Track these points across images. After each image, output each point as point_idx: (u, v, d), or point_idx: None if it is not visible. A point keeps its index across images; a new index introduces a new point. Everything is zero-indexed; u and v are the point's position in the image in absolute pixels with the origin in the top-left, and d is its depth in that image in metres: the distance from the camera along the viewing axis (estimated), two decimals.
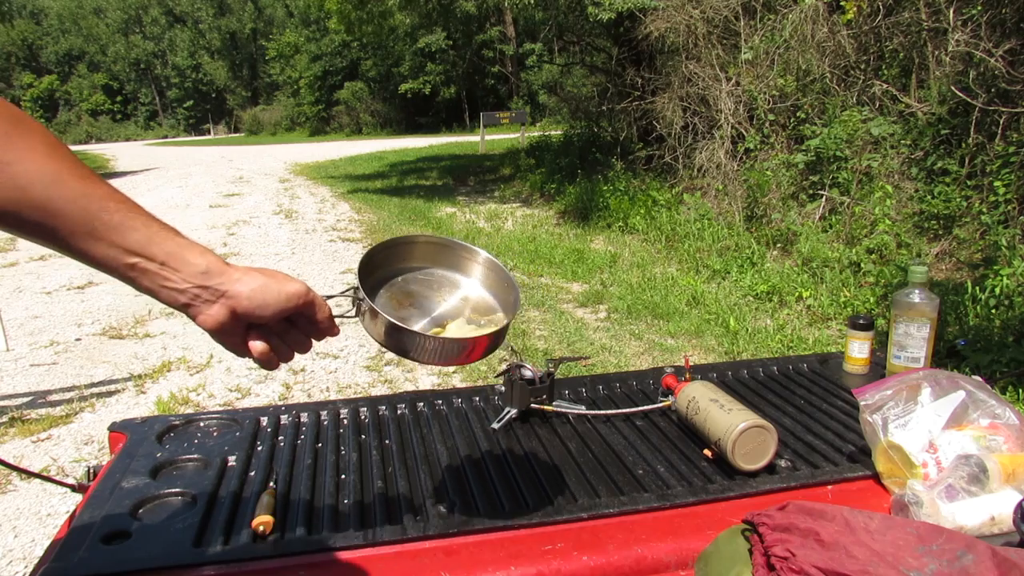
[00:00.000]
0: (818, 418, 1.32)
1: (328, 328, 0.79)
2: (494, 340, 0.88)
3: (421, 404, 1.42)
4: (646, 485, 1.10)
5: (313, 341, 0.80)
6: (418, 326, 0.92)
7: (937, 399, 1.09)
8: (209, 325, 0.70)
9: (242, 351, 0.74)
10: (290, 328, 0.77)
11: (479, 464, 1.18)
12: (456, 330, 0.92)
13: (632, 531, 1.00)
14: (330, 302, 0.82)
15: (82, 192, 0.60)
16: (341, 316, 0.84)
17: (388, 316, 0.82)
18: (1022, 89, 4.85)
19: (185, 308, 0.68)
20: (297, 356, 0.81)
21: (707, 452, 1.18)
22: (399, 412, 1.39)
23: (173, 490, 1.10)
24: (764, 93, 6.57)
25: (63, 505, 2.77)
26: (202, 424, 1.33)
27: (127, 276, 0.64)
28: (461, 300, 0.98)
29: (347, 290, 0.87)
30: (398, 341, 0.84)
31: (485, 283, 1.00)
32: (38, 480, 2.86)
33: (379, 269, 0.95)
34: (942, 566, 0.77)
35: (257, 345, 0.73)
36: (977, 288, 4.07)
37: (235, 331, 0.72)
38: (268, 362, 0.75)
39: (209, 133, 56.55)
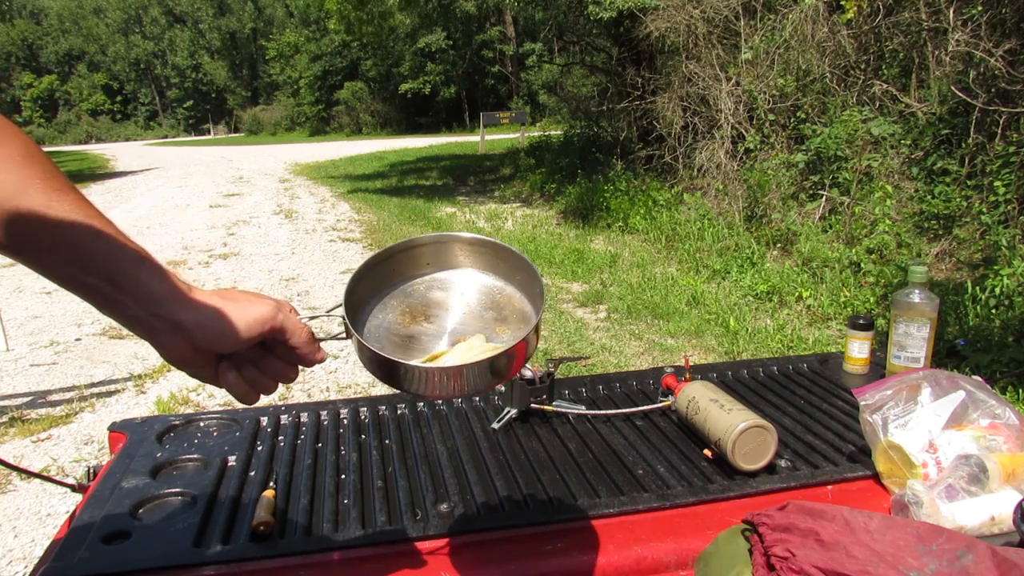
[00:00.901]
0: (818, 418, 1.32)
1: (309, 354, 0.70)
2: (512, 356, 0.73)
3: (421, 404, 1.42)
4: (646, 485, 1.10)
5: (297, 369, 0.72)
6: (433, 345, 0.80)
7: (937, 399, 1.09)
8: (170, 358, 0.64)
9: (217, 383, 0.68)
10: (266, 355, 0.69)
11: (479, 464, 1.18)
12: (464, 350, 0.78)
13: (632, 531, 1.00)
14: (316, 322, 0.73)
15: (45, 205, 0.57)
16: (334, 338, 0.75)
17: (371, 345, 0.71)
18: (1022, 89, 4.85)
19: (145, 336, 0.63)
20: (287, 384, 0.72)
21: (707, 452, 1.18)
22: (399, 412, 1.39)
23: (173, 490, 1.10)
24: (764, 93, 6.57)
25: (63, 505, 2.77)
26: (202, 424, 1.33)
27: (86, 297, 0.60)
28: (489, 309, 0.84)
29: (335, 307, 0.75)
30: (390, 376, 0.72)
31: (512, 281, 0.86)
32: (38, 480, 2.86)
33: (390, 277, 0.84)
34: (942, 566, 0.77)
35: (228, 377, 0.67)
36: (977, 288, 4.07)
37: (200, 363, 0.65)
38: (244, 396, 0.68)
39: (209, 133, 56.57)
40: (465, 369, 0.71)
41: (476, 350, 0.77)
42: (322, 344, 0.72)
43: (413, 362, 0.73)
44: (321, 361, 0.72)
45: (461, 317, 0.84)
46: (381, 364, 0.71)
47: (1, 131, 0.58)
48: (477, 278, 0.86)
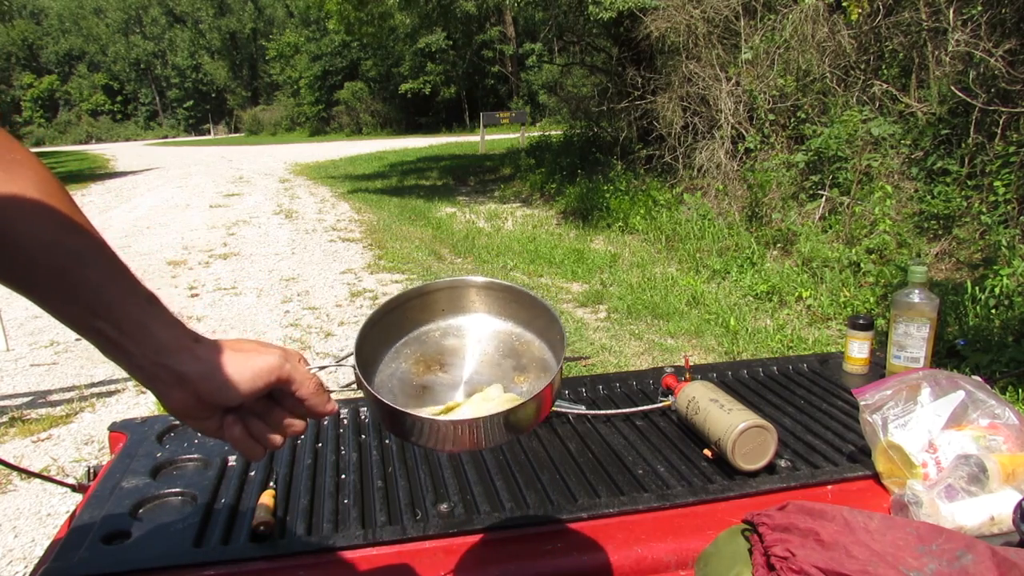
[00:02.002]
0: (818, 418, 1.32)
1: (317, 405, 0.67)
2: (533, 408, 0.69)
3: None
4: (646, 485, 1.10)
5: (305, 422, 0.69)
6: (448, 396, 0.77)
7: (937, 399, 1.09)
8: (171, 409, 0.61)
9: (221, 437, 0.65)
10: (273, 407, 0.66)
11: (479, 464, 1.18)
12: (480, 401, 0.74)
13: (632, 531, 1.00)
14: (326, 371, 0.71)
15: (56, 242, 0.55)
16: (346, 387, 0.72)
17: (382, 396, 0.68)
18: (1022, 89, 4.85)
19: (148, 386, 0.61)
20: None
21: (707, 452, 1.18)
22: None
23: (173, 490, 1.10)
24: (764, 93, 6.57)
25: (63, 505, 2.77)
26: None
27: (90, 338, 0.58)
28: (507, 357, 0.81)
29: (345, 356, 0.72)
30: (402, 429, 0.69)
31: (531, 326, 0.81)
32: (38, 480, 2.86)
33: (402, 325, 0.80)
34: (942, 566, 0.77)
35: (233, 432, 0.64)
36: (977, 288, 4.07)
37: (204, 416, 0.62)
38: (250, 451, 0.65)
39: (209, 133, 56.58)
40: (481, 423, 0.67)
41: (493, 401, 0.73)
42: (333, 395, 0.70)
43: (425, 414, 0.70)
44: (331, 413, 0.69)
45: (477, 366, 0.80)
46: (392, 416, 0.68)
47: (19, 165, 0.56)
48: (493, 324, 0.83)
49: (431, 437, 0.68)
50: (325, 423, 1.35)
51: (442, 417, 0.70)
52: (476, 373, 0.80)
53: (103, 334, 0.58)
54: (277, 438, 0.67)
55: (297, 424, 0.68)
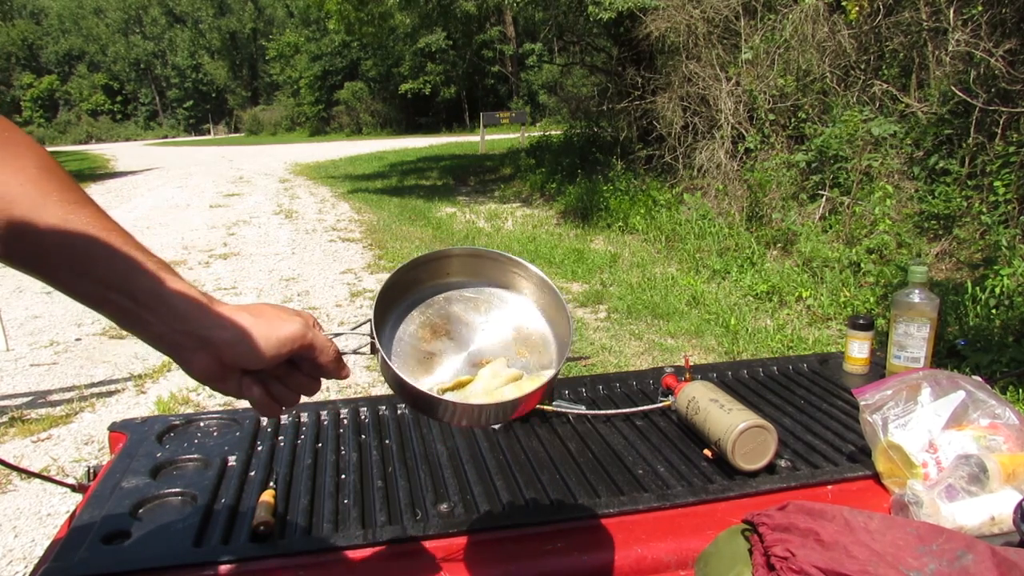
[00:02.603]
0: (818, 418, 1.32)
1: (335, 370, 0.71)
2: (533, 399, 0.74)
3: None
4: (646, 485, 1.10)
5: (319, 382, 0.72)
6: (449, 366, 0.79)
7: (937, 399, 1.09)
8: (195, 374, 0.63)
9: (240, 396, 0.67)
10: (292, 371, 0.69)
11: (479, 464, 1.18)
12: (490, 377, 0.78)
13: (632, 531, 1.00)
14: (341, 339, 0.74)
15: (63, 220, 0.56)
16: (355, 352, 0.75)
17: (398, 371, 0.71)
18: (1022, 89, 4.85)
19: (169, 353, 0.62)
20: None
21: (707, 452, 1.18)
22: (399, 412, 1.39)
23: (173, 490, 1.10)
24: (764, 93, 6.57)
25: (63, 505, 2.77)
26: (202, 424, 1.33)
27: (106, 312, 0.59)
28: (510, 328, 0.83)
29: (362, 323, 0.75)
30: (412, 400, 0.73)
31: (539, 304, 0.84)
32: (38, 480, 2.86)
33: (414, 287, 0.82)
34: (942, 566, 0.77)
35: (253, 392, 0.66)
36: (977, 288, 4.07)
37: (226, 378, 0.64)
38: (267, 408, 0.68)
39: (209, 133, 56.57)
40: (494, 408, 0.72)
41: (500, 377, 0.77)
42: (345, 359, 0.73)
43: (450, 397, 0.74)
44: (346, 377, 0.72)
45: (482, 335, 0.82)
46: (406, 390, 0.72)
47: (18, 145, 0.57)
48: (499, 293, 0.85)
49: (445, 414, 0.72)
50: (325, 423, 1.35)
51: (459, 400, 0.74)
52: (481, 344, 0.82)
53: (118, 306, 0.58)
54: (294, 398, 0.69)
55: (314, 385, 0.71)
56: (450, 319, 0.82)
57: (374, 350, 0.74)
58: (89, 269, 0.57)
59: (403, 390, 0.72)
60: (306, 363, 0.69)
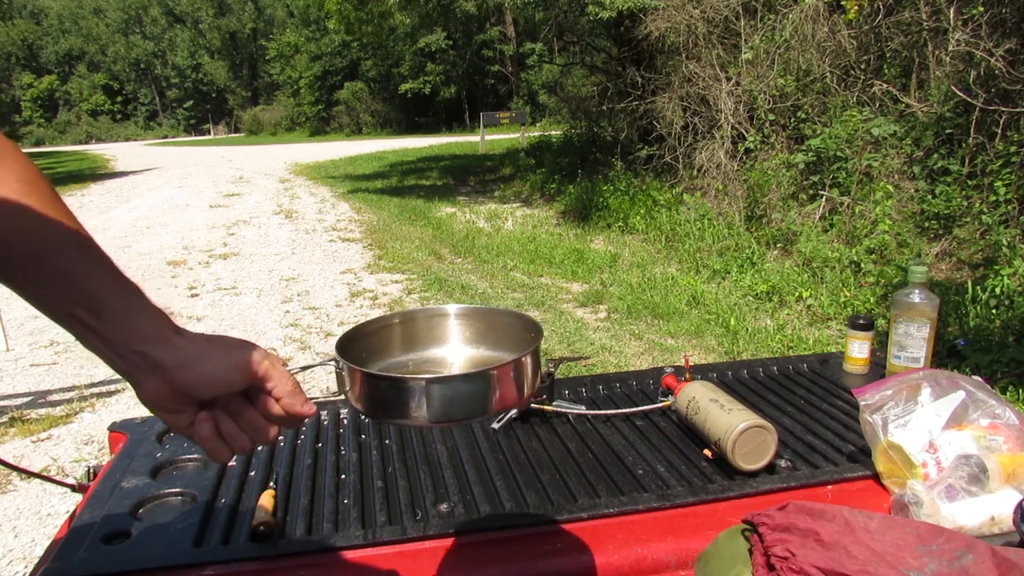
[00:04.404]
0: (818, 418, 1.32)
1: (294, 406, 0.65)
2: (517, 374, 0.73)
3: None
4: (646, 485, 1.10)
5: (277, 428, 0.67)
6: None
7: (937, 399, 1.08)
8: (145, 399, 0.61)
9: (191, 433, 0.63)
10: (247, 408, 0.64)
11: (479, 464, 1.18)
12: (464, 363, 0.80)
13: (632, 531, 1.00)
14: (305, 376, 0.72)
15: (35, 229, 0.55)
16: (326, 399, 0.73)
17: (366, 369, 0.70)
18: (1022, 89, 4.85)
19: (124, 375, 0.60)
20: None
21: (707, 452, 1.18)
22: None
23: (173, 490, 1.10)
24: (764, 93, 6.57)
25: (63, 505, 2.77)
26: None
27: (67, 326, 0.58)
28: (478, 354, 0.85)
29: (325, 361, 0.73)
30: (383, 399, 0.70)
31: (501, 344, 0.84)
32: (38, 480, 2.86)
33: (379, 350, 0.82)
34: (942, 566, 0.77)
35: (203, 428, 0.62)
36: (977, 288, 4.07)
37: (177, 408, 0.61)
38: (215, 450, 0.63)
39: (209, 133, 56.57)
40: (474, 381, 0.71)
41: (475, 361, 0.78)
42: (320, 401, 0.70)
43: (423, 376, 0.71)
44: (309, 415, 0.66)
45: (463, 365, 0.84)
46: (377, 384, 0.70)
47: (3, 157, 0.57)
48: (470, 352, 0.85)
49: (427, 402, 0.68)
50: (325, 423, 1.35)
51: (437, 374, 0.73)
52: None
53: (81, 321, 0.58)
54: (246, 441, 0.65)
55: (269, 430, 0.65)
56: (426, 362, 0.83)
57: (340, 382, 0.71)
58: (54, 283, 0.57)
59: (373, 387, 0.70)
60: (262, 398, 0.65)
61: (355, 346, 0.77)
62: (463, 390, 0.70)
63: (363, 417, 0.77)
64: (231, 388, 0.63)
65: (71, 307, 0.57)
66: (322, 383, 3.17)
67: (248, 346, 0.64)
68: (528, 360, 0.74)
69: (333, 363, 0.72)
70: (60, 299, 0.57)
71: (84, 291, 0.57)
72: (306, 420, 0.68)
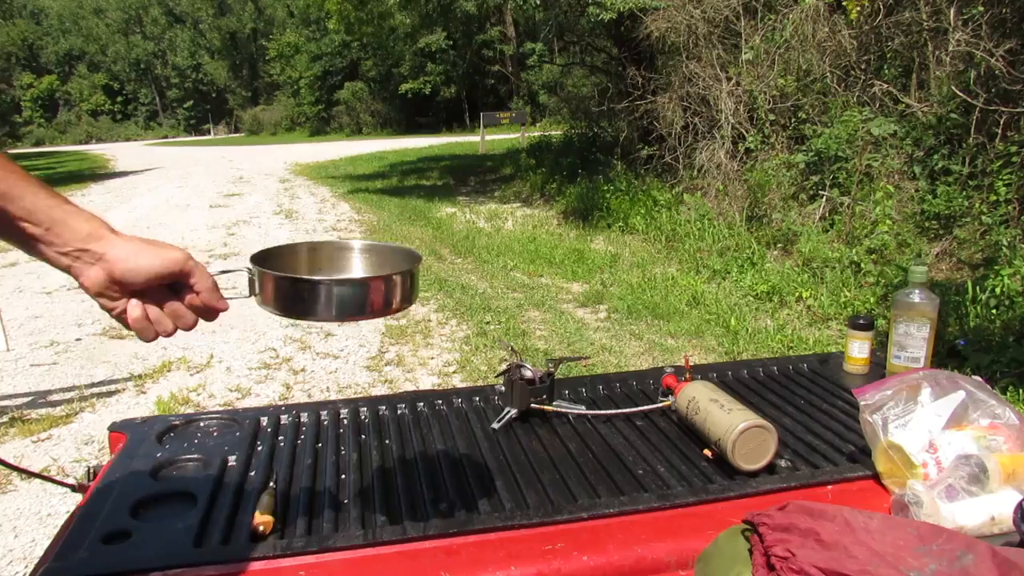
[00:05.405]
0: (818, 418, 1.32)
1: (212, 300, 0.79)
2: (399, 284, 0.84)
3: (421, 404, 1.42)
4: (646, 485, 1.10)
5: (200, 319, 0.80)
6: None
7: (937, 399, 1.08)
8: (88, 286, 0.73)
9: (122, 318, 0.76)
10: (172, 298, 0.78)
11: (479, 464, 1.18)
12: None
13: (632, 531, 1.00)
14: (221, 279, 0.83)
15: None
16: (235, 297, 0.84)
17: (274, 273, 0.83)
18: (1022, 89, 4.85)
19: (68, 269, 0.72)
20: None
21: (707, 452, 1.18)
22: (399, 412, 1.39)
23: (173, 490, 1.10)
24: (764, 93, 6.57)
25: (63, 505, 2.77)
26: (202, 424, 1.33)
27: (18, 242, 0.70)
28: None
29: (240, 269, 0.88)
30: (290, 296, 0.83)
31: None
32: (38, 480, 2.86)
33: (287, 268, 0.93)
34: (942, 566, 0.77)
35: (133, 312, 0.75)
36: (978, 288, 4.07)
37: (113, 295, 0.74)
38: (143, 330, 0.76)
39: (209, 133, 56.60)
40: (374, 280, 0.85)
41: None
42: (231, 302, 0.83)
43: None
44: (223, 309, 0.81)
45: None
46: (283, 285, 0.82)
47: None
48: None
49: (328, 301, 0.81)
50: (325, 423, 1.35)
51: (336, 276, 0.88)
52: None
53: (27, 232, 0.69)
54: (170, 325, 0.78)
55: (189, 318, 0.79)
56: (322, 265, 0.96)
57: (252, 287, 0.84)
58: (9, 206, 0.67)
59: (280, 289, 0.82)
60: (185, 291, 0.78)
61: (267, 263, 0.88)
62: (347, 292, 0.83)
63: (275, 315, 0.88)
64: (161, 279, 0.75)
65: (23, 224, 0.68)
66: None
67: (176, 248, 0.77)
68: (399, 279, 0.86)
69: (247, 270, 0.86)
70: (6, 217, 0.68)
71: (22, 204, 0.68)
72: (220, 313, 0.81)
